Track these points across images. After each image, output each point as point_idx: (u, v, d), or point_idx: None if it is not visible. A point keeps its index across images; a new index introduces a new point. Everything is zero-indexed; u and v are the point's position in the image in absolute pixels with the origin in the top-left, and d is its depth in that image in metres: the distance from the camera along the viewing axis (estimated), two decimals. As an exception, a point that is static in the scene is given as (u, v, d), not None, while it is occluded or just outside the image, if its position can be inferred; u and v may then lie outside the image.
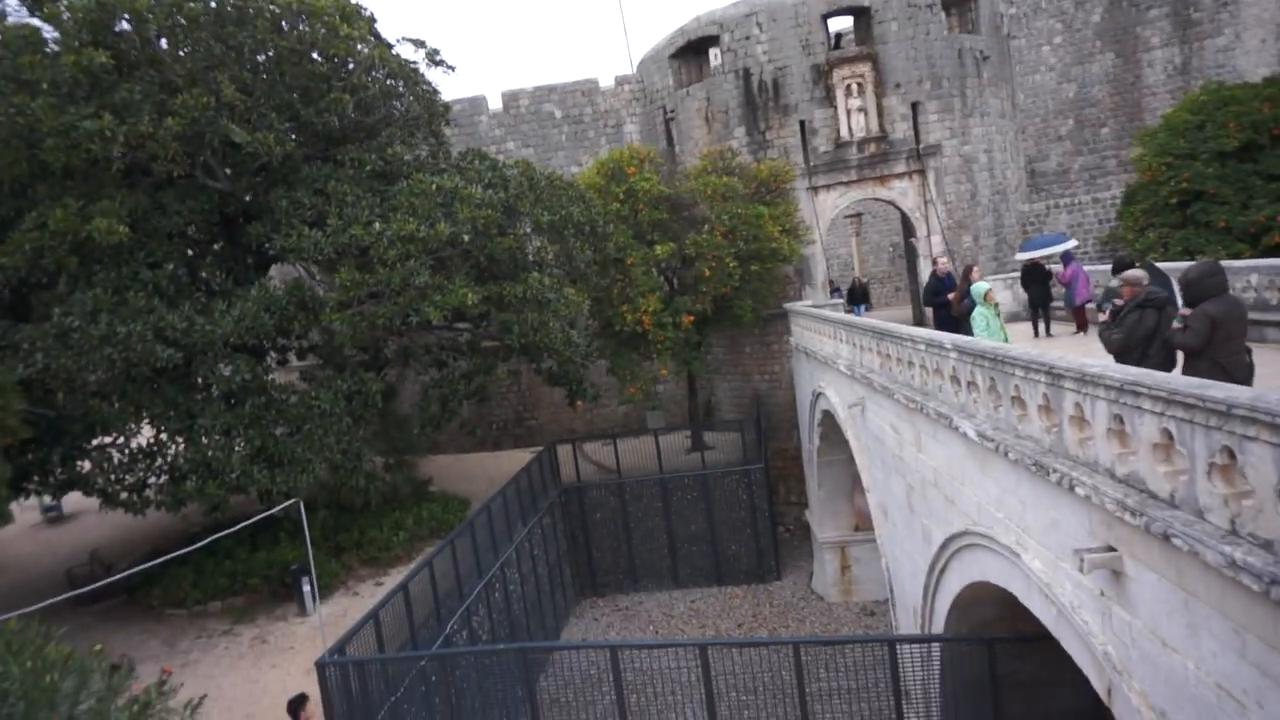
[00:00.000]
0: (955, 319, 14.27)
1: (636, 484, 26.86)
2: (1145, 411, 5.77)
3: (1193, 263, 9.14)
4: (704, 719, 12.33)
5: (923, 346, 11.28)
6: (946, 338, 10.44)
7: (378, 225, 17.70)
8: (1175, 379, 5.53)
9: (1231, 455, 4.94)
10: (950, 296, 14.99)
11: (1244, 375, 7.56)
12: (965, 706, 11.99)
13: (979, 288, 12.46)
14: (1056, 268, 18.70)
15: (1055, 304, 18.90)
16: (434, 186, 18.85)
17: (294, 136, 19.13)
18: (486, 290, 19.44)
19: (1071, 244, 20.14)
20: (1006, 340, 11.72)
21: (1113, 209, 28.55)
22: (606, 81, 33.91)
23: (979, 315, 11.91)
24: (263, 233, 18.58)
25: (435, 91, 23.06)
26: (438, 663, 13.79)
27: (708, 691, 12.29)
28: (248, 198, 19.45)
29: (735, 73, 27.99)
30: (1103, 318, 8.60)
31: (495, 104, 34.07)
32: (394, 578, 18.88)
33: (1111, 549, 6.46)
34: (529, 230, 21.76)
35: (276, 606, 18.33)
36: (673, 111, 30.43)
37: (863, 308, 23.23)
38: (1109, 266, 15.35)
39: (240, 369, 17.15)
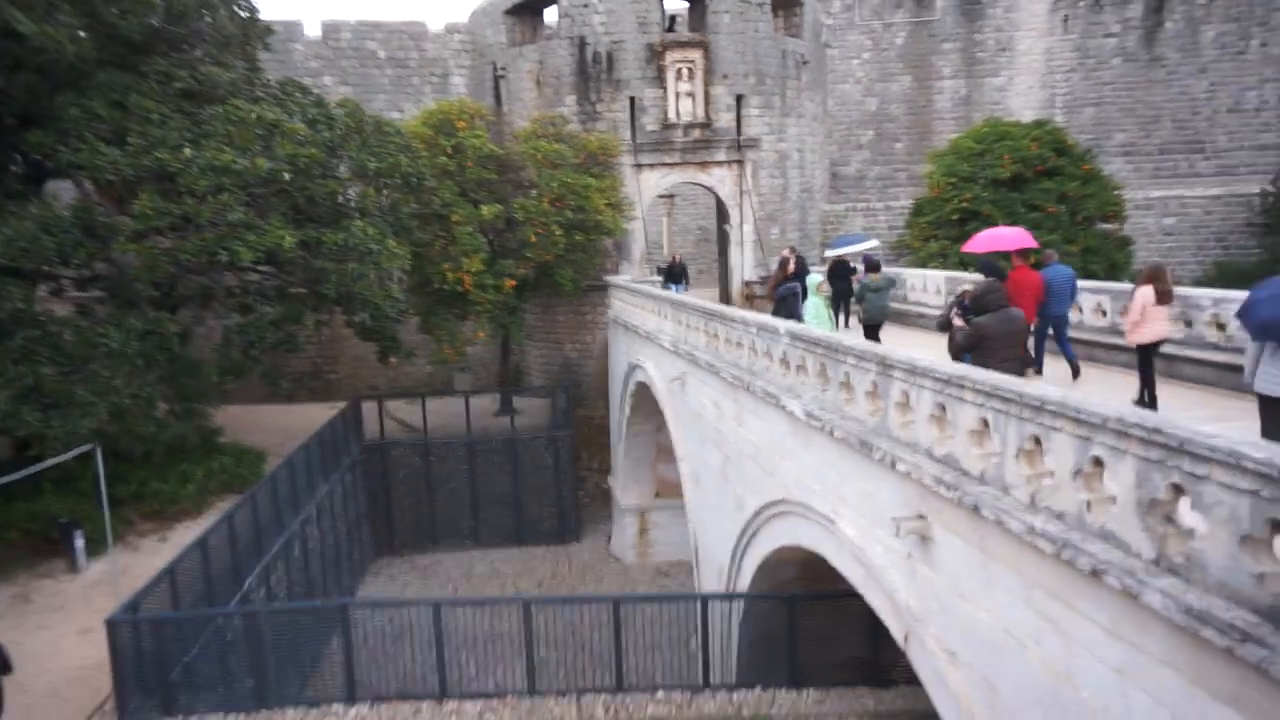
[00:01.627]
0: (770, 300, 15.08)
1: (443, 444, 26.59)
2: (967, 402, 6.74)
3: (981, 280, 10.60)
4: (523, 673, 12.69)
5: (754, 330, 12.16)
6: (780, 323, 11.35)
7: (188, 151, 16.24)
8: (997, 377, 6.52)
9: (1038, 442, 5.94)
10: (771, 282, 15.82)
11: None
12: (762, 656, 13.19)
13: (813, 279, 13.54)
14: (859, 266, 20.53)
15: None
16: (254, 116, 17.53)
17: (89, 36, 17.03)
18: (304, 234, 18.40)
19: (873, 243, 22.11)
20: (832, 328, 12.87)
21: (901, 217, 31.53)
22: (436, 26, 32.72)
23: (811, 304, 12.99)
24: (46, 142, 16.47)
25: (254, 9, 21.33)
26: (240, 621, 13.16)
27: (528, 646, 12.66)
28: (27, 100, 17.11)
29: (571, 39, 28.00)
30: (957, 322, 9.76)
31: (313, 32, 31.91)
32: (180, 533, 17.63)
33: (923, 517, 7.48)
34: (350, 175, 20.77)
35: (40, 563, 16.54)
36: (503, 69, 29.94)
37: (681, 286, 24.23)
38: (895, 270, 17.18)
39: (11, 296, 15.20)
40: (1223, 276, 26.74)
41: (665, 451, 23.47)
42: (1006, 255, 13.06)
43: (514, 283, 24.48)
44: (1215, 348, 11.99)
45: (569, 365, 29.64)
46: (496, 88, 30.27)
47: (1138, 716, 5.02)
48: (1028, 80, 36.57)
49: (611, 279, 26.89)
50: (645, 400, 21.89)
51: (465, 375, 32.24)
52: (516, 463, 26.59)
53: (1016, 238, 13.22)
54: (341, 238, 18.62)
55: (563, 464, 26.79)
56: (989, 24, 36.52)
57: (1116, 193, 26.54)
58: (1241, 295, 12.47)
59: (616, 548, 26.56)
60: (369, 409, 26.67)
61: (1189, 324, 12.34)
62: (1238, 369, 11.51)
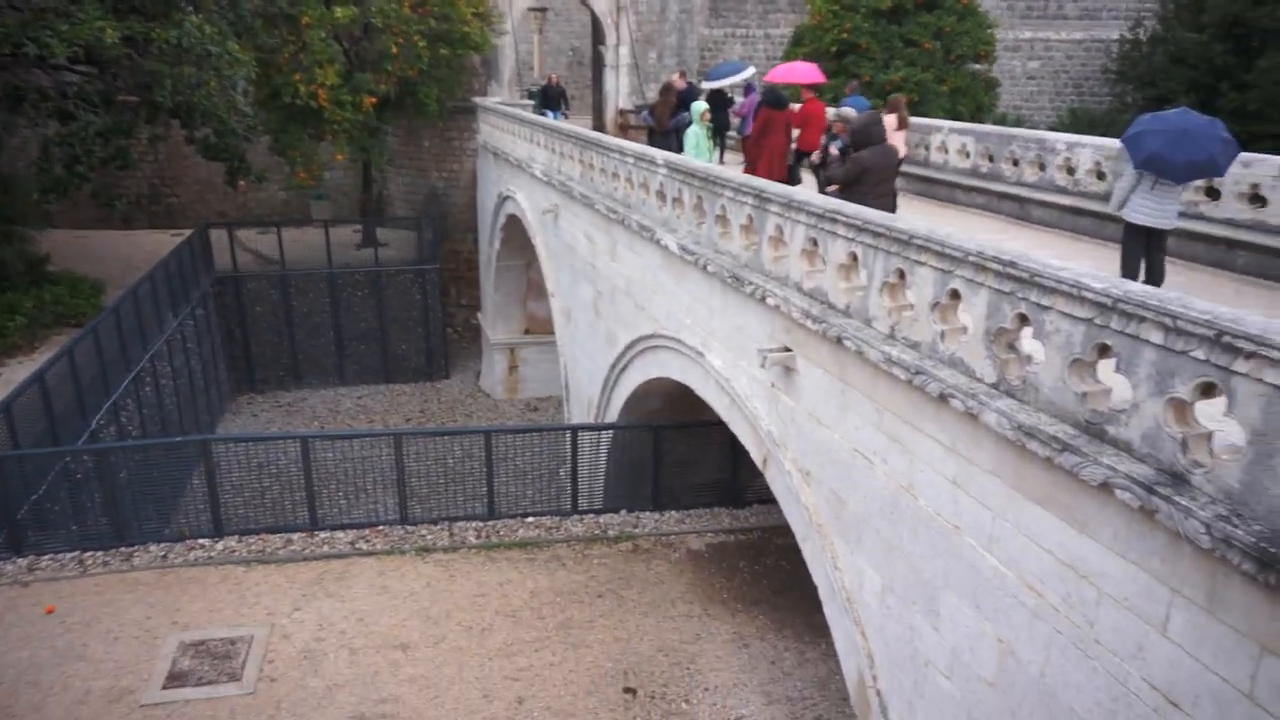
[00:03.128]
0: (663, 134, 14.63)
1: (302, 277, 25.29)
2: (839, 237, 6.86)
3: (863, 111, 10.59)
4: (395, 504, 12.81)
5: (631, 160, 11.85)
6: (658, 154, 11.09)
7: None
8: (868, 211, 6.62)
9: (902, 276, 6.15)
10: (661, 111, 15.10)
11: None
12: (629, 482, 13.82)
13: (698, 106, 13.12)
14: (737, 97, 20.09)
15: (730, 133, 20.47)
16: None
17: None
18: (129, 28, 16.22)
19: (751, 72, 21.51)
20: (710, 160, 12.67)
21: (781, 46, 30.90)
22: None
23: (692, 134, 12.66)
24: None
25: None
26: (90, 458, 12.54)
27: (400, 478, 12.72)
28: None
29: None
30: (834, 151, 9.80)
31: None
32: (14, 370, 16.31)
33: (788, 349, 7.76)
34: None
35: None
36: None
37: (559, 112, 23.11)
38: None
39: None
40: (1076, 123, 27.91)
41: (536, 287, 23.24)
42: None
43: (374, 100, 22.72)
44: (1064, 191, 12.63)
45: (436, 195, 28.36)
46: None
47: (965, 516, 5.57)
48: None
49: (480, 100, 25.42)
50: (516, 233, 21.36)
51: (323, 203, 30.37)
52: (382, 297, 25.72)
53: (809, 72, 14.81)
54: (175, 35, 16.49)
55: (430, 299, 26.11)
56: None
57: (990, 31, 26.77)
58: (1089, 138, 13.12)
59: (486, 384, 26.63)
60: (218, 238, 24.86)
61: (1042, 168, 12.89)
62: (1084, 212, 12.25)
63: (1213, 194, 10.92)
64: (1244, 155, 11.04)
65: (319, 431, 21.61)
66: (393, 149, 28.38)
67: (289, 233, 25.72)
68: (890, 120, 11.83)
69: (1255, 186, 10.51)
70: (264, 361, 25.54)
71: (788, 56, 28.15)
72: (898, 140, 11.92)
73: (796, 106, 13.20)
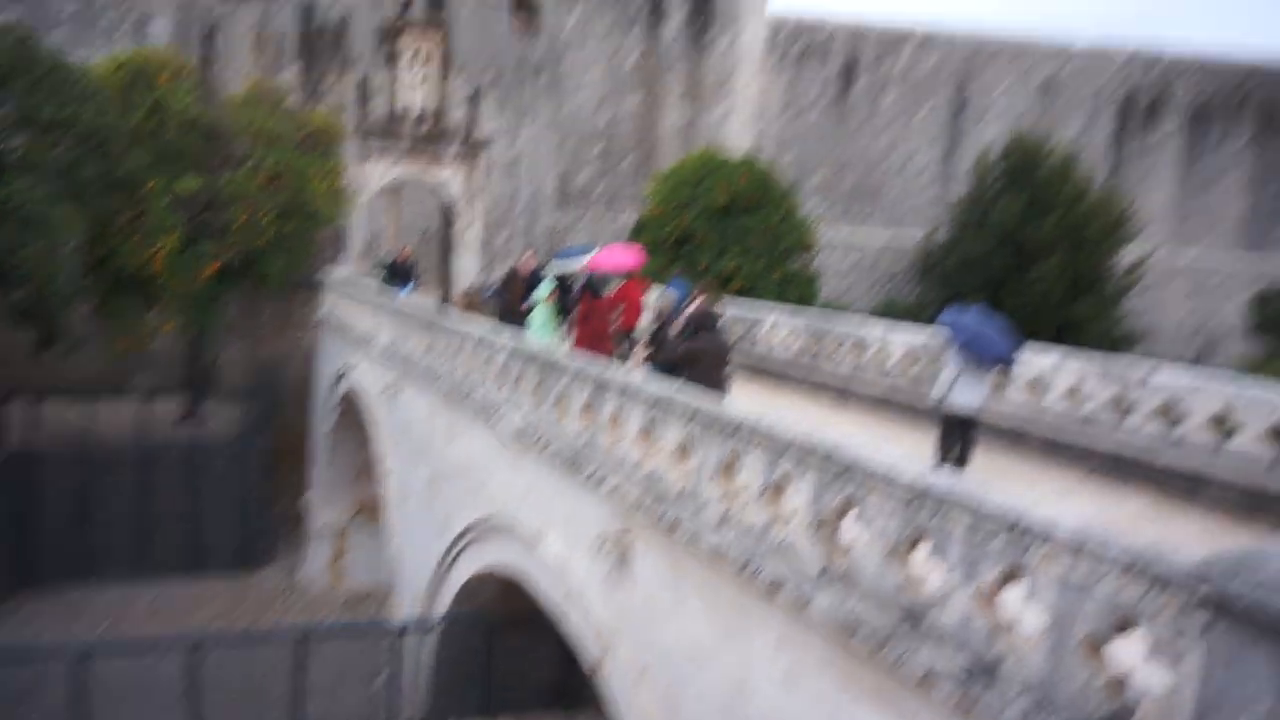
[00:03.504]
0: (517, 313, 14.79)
1: (110, 455, 23.12)
2: (673, 422, 7.04)
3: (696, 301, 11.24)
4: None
5: (476, 339, 11.92)
6: (500, 335, 11.21)
7: None
8: (701, 398, 6.87)
9: (732, 462, 6.33)
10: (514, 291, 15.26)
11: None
12: (458, 683, 12.87)
13: (543, 288, 13.47)
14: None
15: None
16: None
17: None
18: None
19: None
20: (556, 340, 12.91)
21: (625, 232, 32.75)
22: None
23: (538, 314, 12.92)
24: None
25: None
26: None
27: (194, 697, 11.18)
28: None
29: (297, 3, 25.95)
30: (675, 330, 10.21)
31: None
32: None
33: (623, 536, 7.71)
34: (15, 120, 17.55)
35: None
36: (216, 24, 27.01)
37: (410, 286, 23.02)
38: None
39: None
40: (889, 313, 30.77)
41: (370, 467, 22.32)
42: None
43: (215, 267, 22.03)
44: (881, 375, 13.68)
45: (271, 366, 27.29)
46: (207, 44, 27.17)
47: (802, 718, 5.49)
48: (742, 116, 39.72)
49: (327, 273, 25.22)
50: (353, 410, 20.70)
51: (146, 374, 28.49)
52: (199, 478, 23.76)
53: (629, 257, 15.86)
54: (1, 194, 15.62)
55: (254, 479, 24.39)
56: (713, 57, 39.22)
57: (811, 229, 29.59)
58: (900, 329, 14.45)
59: (309, 572, 24.76)
60: (15, 410, 22.61)
61: (860, 353, 13.99)
62: (900, 395, 13.27)
63: (1005, 383, 12.12)
64: (1029, 348, 12.44)
65: (99, 642, 19.01)
66: (230, 318, 27.33)
67: (102, 405, 23.76)
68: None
69: (1039, 377, 11.76)
70: (50, 552, 22.51)
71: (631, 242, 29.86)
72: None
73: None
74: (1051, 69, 41.88)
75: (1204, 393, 10.11)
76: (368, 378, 18.72)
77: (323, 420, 23.51)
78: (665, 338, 11.07)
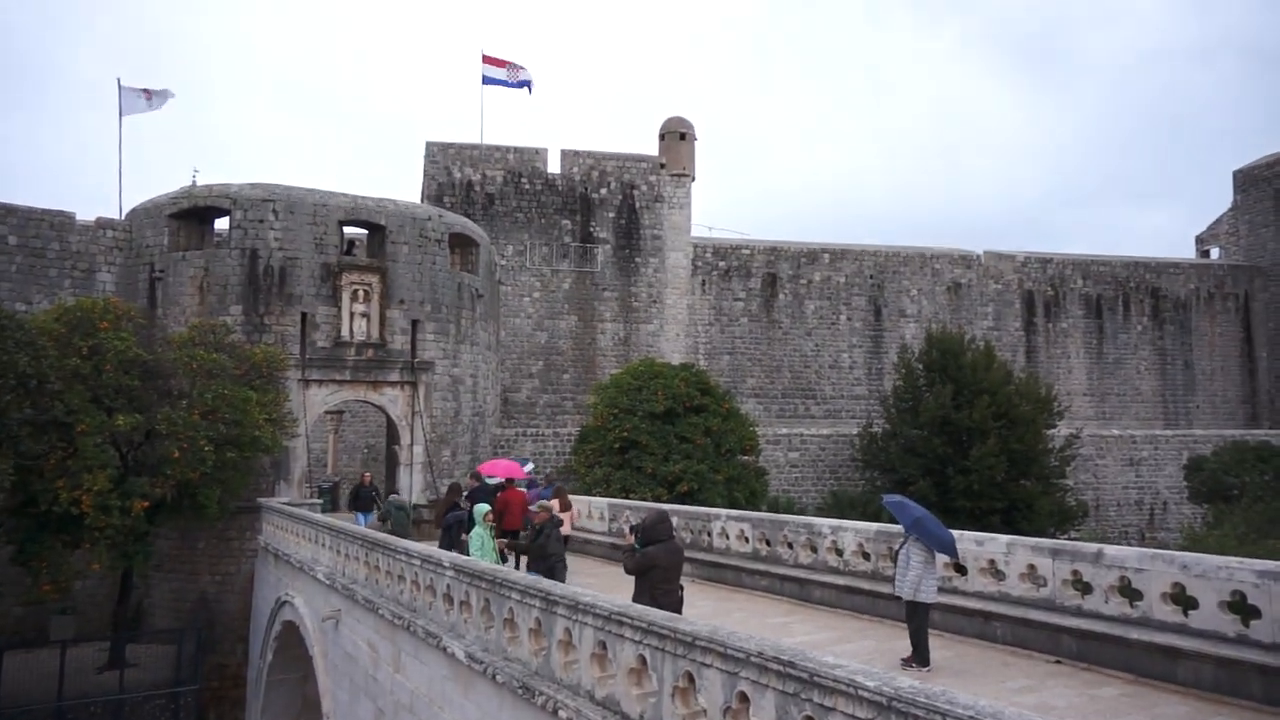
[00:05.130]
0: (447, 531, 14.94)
1: (24, 714, 21.07)
2: (627, 639, 6.78)
3: (649, 510, 11.20)
4: None
5: (418, 562, 11.53)
6: (445, 555, 10.89)
7: None
8: (653, 612, 6.67)
9: (691, 679, 6.06)
10: (439, 508, 15.50)
11: (674, 607, 9.26)
12: None
13: (480, 508, 13.32)
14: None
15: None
16: None
17: None
18: None
19: (529, 467, 22.55)
20: (497, 561, 12.58)
21: (569, 444, 32.94)
22: (86, 217, 29.64)
23: (476, 535, 12.67)
24: None
25: None
26: None
27: None
28: None
29: (243, 250, 26.96)
30: (629, 541, 10.08)
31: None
32: None
33: (586, 767, 7.16)
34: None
35: None
36: (162, 271, 27.76)
37: (372, 515, 22.01)
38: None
39: None
40: (837, 504, 30.96)
41: (311, 706, 20.69)
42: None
43: (146, 504, 21.22)
44: (837, 571, 13.51)
45: (206, 601, 25.75)
46: (152, 289, 27.77)
47: None
48: (675, 329, 41.60)
49: (266, 501, 24.48)
50: (293, 643, 19.45)
51: (67, 619, 26.50)
52: (121, 731, 21.77)
53: (510, 468, 18.30)
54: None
55: (182, 727, 22.44)
56: (642, 280, 41.58)
57: (752, 429, 30.24)
58: (850, 523, 14.46)
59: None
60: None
61: (814, 550, 13.87)
62: (858, 591, 13.05)
63: (960, 570, 12.06)
64: (978, 535, 12.53)
65: None
66: (162, 552, 26.01)
67: (14, 656, 21.89)
68: (554, 504, 13.57)
69: (992, 562, 11.74)
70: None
71: (575, 453, 29.99)
72: (564, 519, 13.92)
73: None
74: (958, 272, 45.32)
75: (1154, 568, 10.19)
76: (307, 607, 17.75)
77: (260, 655, 21.93)
78: (544, 545, 11.71)
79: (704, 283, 42.90)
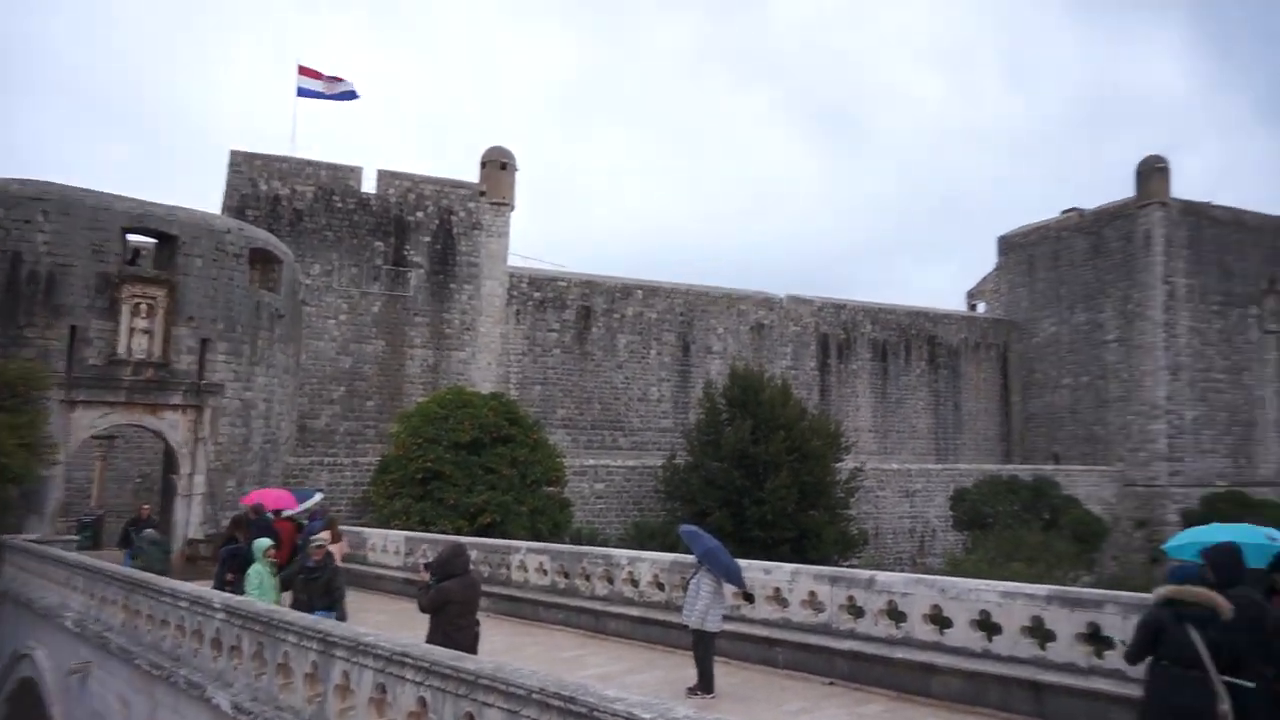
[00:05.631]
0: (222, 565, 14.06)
1: None
2: (408, 681, 6.54)
3: (446, 543, 10.92)
4: None
5: (185, 603, 10.58)
6: (218, 597, 10.06)
7: None
8: (438, 651, 6.48)
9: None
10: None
11: (470, 644, 9.06)
12: None
13: (261, 544, 12.43)
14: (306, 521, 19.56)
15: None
16: None
17: None
18: None
19: (317, 498, 21.11)
20: (277, 600, 11.76)
21: (368, 474, 31.53)
22: None
23: (254, 572, 11.78)
24: None
25: None
26: None
27: None
28: None
29: (3, 253, 23.91)
30: (423, 577, 9.68)
31: None
32: None
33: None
34: None
35: None
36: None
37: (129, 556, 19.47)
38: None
39: None
40: (639, 534, 31.53)
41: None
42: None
43: None
44: (632, 603, 13.72)
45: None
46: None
47: None
48: (488, 357, 41.07)
49: (10, 539, 21.59)
50: (30, 703, 17.12)
51: None
52: None
53: (279, 498, 17.56)
54: None
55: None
56: (455, 306, 40.80)
57: (559, 460, 30.25)
58: (647, 553, 14.77)
59: None
60: None
61: (610, 581, 14.02)
62: (652, 621, 13.29)
63: (749, 598, 12.61)
64: (766, 564, 13.17)
65: None
66: None
67: None
68: (325, 535, 13.39)
69: (777, 590, 12.37)
70: None
71: (375, 484, 28.76)
72: (333, 550, 13.43)
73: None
74: (761, 314, 47.95)
75: (917, 592, 11.12)
76: (50, 660, 15.75)
77: (-14, 722, 19.16)
78: (331, 580, 11.57)
79: (519, 312, 42.75)
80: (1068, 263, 54.83)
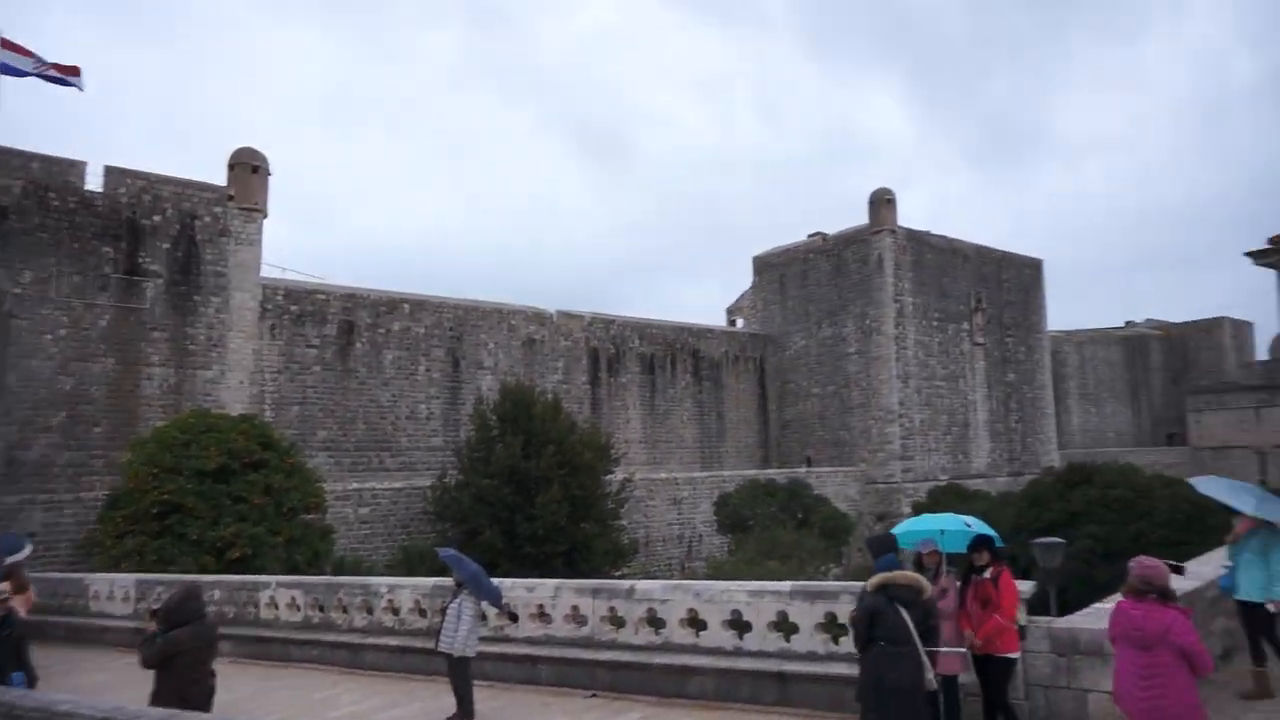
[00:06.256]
0: None
1: None
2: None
3: (179, 585, 9.88)
4: None
5: None
6: None
7: None
8: (153, 713, 5.81)
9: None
10: None
11: (203, 699, 8.21)
12: None
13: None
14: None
15: None
16: None
17: None
18: None
19: (26, 550, 18.36)
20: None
21: (94, 509, 28.03)
22: None
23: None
24: None
25: None
26: None
27: None
28: None
29: None
30: (150, 626, 8.58)
31: None
32: None
33: None
34: None
35: None
36: None
37: None
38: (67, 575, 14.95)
39: None
40: (408, 559, 30.35)
41: None
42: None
43: None
44: (393, 632, 13.17)
45: None
46: None
47: None
48: (239, 376, 37.87)
49: None
50: None
51: None
52: None
53: None
54: None
55: None
56: (201, 320, 37.28)
57: (319, 485, 28.45)
58: (408, 579, 14.24)
59: None
60: None
61: (370, 611, 13.38)
62: (413, 650, 12.79)
63: (513, 617, 12.51)
64: (529, 581, 13.13)
65: None
66: None
67: None
68: (5, 586, 11.87)
69: (541, 607, 12.37)
70: None
71: (103, 521, 25.60)
72: (17, 604, 11.88)
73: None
74: (533, 329, 48.08)
75: (675, 598, 11.55)
76: None
77: None
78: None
79: (274, 327, 39.83)
80: (814, 282, 59.86)
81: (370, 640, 13.00)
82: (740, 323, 67.03)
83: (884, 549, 7.95)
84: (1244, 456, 73.23)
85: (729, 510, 40.94)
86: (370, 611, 13.33)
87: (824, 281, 59.26)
